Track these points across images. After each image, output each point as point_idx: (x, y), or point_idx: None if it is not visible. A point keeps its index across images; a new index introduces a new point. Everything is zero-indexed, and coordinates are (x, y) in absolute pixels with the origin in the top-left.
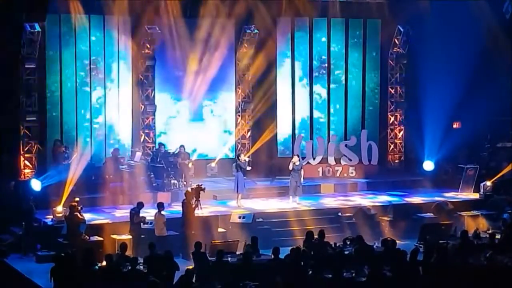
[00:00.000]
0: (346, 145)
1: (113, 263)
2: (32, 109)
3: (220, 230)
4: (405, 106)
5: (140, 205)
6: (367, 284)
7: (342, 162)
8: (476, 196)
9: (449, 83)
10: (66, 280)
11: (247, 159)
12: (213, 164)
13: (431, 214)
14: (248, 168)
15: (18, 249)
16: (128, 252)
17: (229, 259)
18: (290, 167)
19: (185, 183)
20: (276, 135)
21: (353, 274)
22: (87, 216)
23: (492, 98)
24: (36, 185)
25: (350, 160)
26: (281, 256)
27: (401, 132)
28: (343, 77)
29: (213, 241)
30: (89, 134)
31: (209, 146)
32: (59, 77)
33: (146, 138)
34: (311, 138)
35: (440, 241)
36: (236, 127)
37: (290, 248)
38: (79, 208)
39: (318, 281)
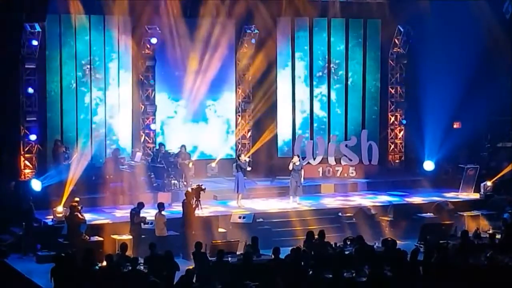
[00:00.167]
0: (346, 145)
1: (114, 263)
2: (32, 109)
3: (220, 230)
4: (405, 106)
5: (141, 205)
6: (368, 284)
7: (343, 162)
8: (476, 196)
9: (449, 83)
10: (66, 280)
11: (247, 159)
12: (213, 164)
13: (432, 214)
14: (249, 168)
15: (18, 249)
16: (129, 252)
17: (229, 259)
18: (290, 167)
19: (185, 183)
20: (276, 135)
21: (354, 274)
22: (87, 216)
23: (492, 98)
24: (36, 185)
25: (351, 160)
26: (282, 256)
27: (402, 132)
28: (344, 77)
29: (213, 241)
30: (89, 134)
31: (211, 146)
32: (59, 77)
33: (147, 138)
34: (312, 138)
35: (441, 241)
36: (236, 127)
37: (290, 248)
38: (80, 208)
39: (319, 281)
